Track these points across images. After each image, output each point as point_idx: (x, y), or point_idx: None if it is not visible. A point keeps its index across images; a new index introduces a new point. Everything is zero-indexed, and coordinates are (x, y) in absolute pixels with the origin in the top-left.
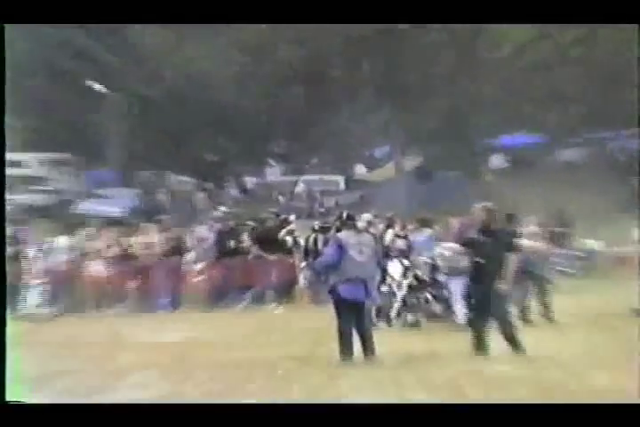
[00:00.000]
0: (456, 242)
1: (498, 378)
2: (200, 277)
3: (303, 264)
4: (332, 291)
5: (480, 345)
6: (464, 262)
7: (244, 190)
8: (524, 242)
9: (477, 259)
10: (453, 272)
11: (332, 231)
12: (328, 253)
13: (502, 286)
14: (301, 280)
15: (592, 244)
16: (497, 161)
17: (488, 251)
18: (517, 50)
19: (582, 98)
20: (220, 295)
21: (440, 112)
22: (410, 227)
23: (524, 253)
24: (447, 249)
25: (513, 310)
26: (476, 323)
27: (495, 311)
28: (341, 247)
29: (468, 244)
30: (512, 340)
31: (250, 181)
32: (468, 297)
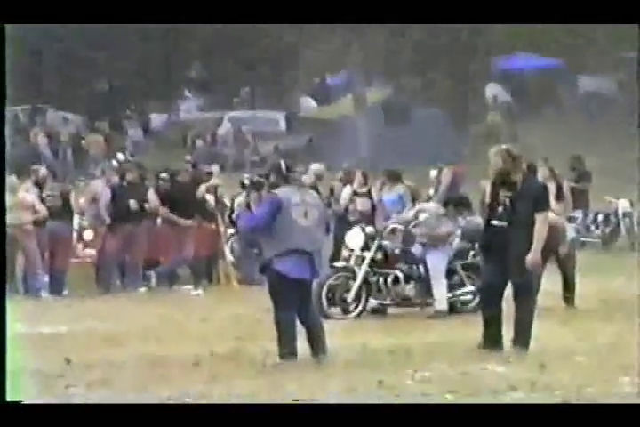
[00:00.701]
0: (446, 199)
1: (492, 381)
2: (90, 250)
3: (230, 232)
4: (267, 267)
5: (493, 338)
6: (447, 228)
7: (148, 131)
8: None
9: (495, 222)
10: (433, 242)
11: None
12: (260, 211)
13: (531, 257)
14: (227, 254)
15: (618, 204)
16: (495, 92)
17: (510, 211)
18: None
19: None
20: (116, 274)
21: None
22: (376, 182)
23: None
24: (425, 211)
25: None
26: (489, 309)
27: (520, 293)
28: (280, 208)
29: (459, 202)
30: (524, 333)
31: (157, 119)
32: (451, 274)
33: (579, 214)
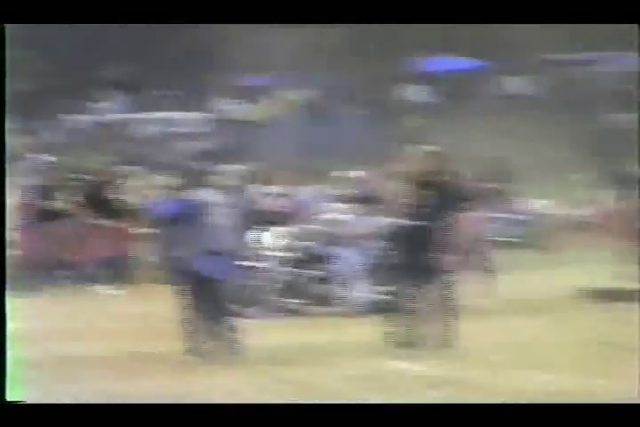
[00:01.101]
0: (364, 200)
1: (410, 380)
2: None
3: (147, 232)
4: (185, 267)
5: (411, 336)
6: (365, 228)
7: (68, 132)
8: None
9: (416, 222)
10: (351, 242)
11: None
12: (173, 204)
13: (449, 256)
14: (144, 253)
15: (539, 204)
16: (417, 94)
17: (432, 211)
18: None
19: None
20: (32, 273)
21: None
22: (294, 182)
23: None
24: (342, 211)
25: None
26: (408, 308)
27: (442, 292)
28: (196, 209)
29: (376, 202)
30: (448, 331)
31: (80, 120)
32: (369, 273)
33: (499, 215)
